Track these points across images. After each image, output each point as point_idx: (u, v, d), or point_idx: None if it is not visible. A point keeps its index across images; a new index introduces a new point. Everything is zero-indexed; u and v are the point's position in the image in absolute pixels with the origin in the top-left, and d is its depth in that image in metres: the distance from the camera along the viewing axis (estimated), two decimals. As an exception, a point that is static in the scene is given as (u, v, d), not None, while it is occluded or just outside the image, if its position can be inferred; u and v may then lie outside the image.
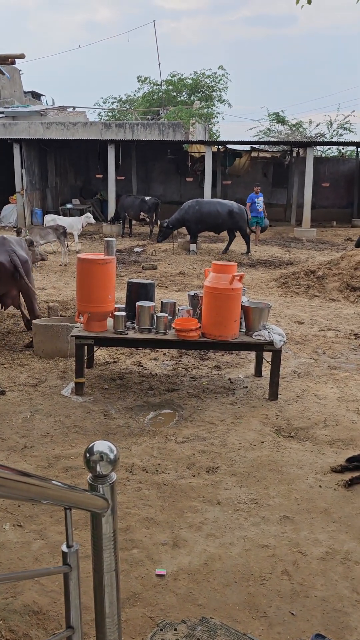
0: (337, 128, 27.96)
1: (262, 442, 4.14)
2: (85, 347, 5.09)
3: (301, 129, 28.09)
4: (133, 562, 2.84)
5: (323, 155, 28.17)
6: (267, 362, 5.09)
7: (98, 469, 1.57)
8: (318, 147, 26.73)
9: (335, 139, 27.69)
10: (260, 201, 15.94)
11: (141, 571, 2.78)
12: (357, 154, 25.17)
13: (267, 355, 5.08)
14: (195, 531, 3.09)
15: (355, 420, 4.58)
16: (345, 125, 27.77)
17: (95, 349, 5.68)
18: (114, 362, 5.92)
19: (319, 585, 2.70)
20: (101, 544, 1.62)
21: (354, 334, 7.24)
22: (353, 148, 25.73)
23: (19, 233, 11.64)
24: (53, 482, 1.39)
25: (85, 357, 5.21)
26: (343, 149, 28.21)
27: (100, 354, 6.08)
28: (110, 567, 1.66)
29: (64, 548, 1.51)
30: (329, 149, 28.98)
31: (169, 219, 14.63)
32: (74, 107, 28.18)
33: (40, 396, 4.92)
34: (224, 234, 15.23)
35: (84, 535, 2.92)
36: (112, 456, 1.58)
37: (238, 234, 14.55)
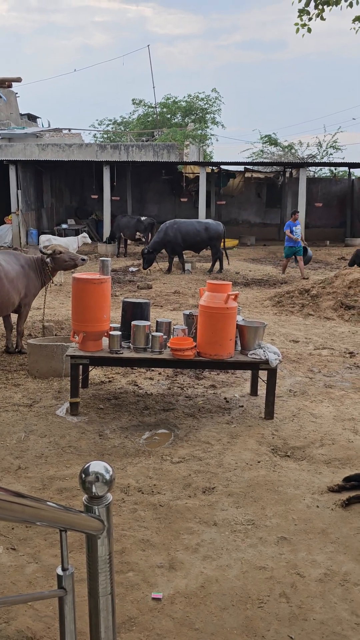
0: (327, 148, 28.39)
1: (259, 462, 4.11)
2: (81, 366, 5.07)
3: (293, 150, 28.49)
4: (129, 585, 2.79)
5: (315, 176, 28.53)
6: (263, 381, 5.08)
7: (94, 490, 1.55)
8: (310, 168, 27.06)
9: (325, 159, 28.08)
10: (298, 229, 14.32)
11: (137, 595, 2.73)
12: (349, 174, 25.51)
13: (263, 374, 5.07)
14: (191, 553, 3.05)
15: (351, 439, 4.56)
16: (334, 145, 28.21)
17: (90, 369, 5.66)
18: (109, 381, 5.89)
19: (317, 608, 2.66)
20: (97, 567, 1.59)
21: (349, 353, 7.25)
22: (345, 168, 26.07)
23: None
24: (48, 503, 1.37)
25: (81, 377, 5.19)
26: (335, 169, 28.60)
27: (96, 373, 6.05)
28: (105, 590, 1.63)
29: (59, 571, 1.49)
30: (321, 169, 29.36)
31: (149, 244, 14.59)
32: (69, 129, 28.51)
33: (34, 416, 4.88)
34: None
35: (79, 558, 2.88)
36: (107, 477, 1.56)
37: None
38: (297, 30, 5.36)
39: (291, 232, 14.01)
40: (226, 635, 2.48)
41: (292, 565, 2.96)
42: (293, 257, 14.40)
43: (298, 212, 14.83)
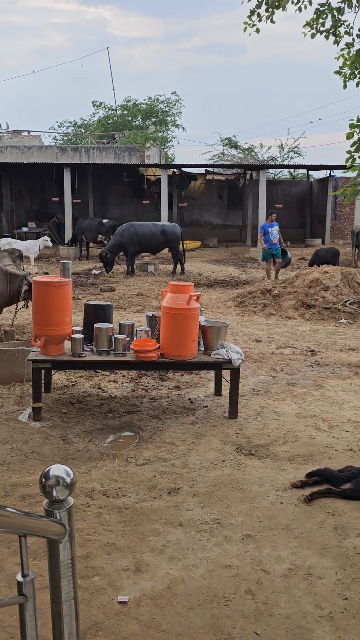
0: (288, 152, 28.89)
1: (223, 461, 4.14)
2: (43, 371, 5.00)
3: (253, 153, 28.88)
4: (94, 590, 2.77)
5: (275, 178, 28.98)
6: (226, 380, 5.12)
7: (54, 493, 1.53)
8: (270, 170, 27.48)
9: (285, 162, 28.57)
10: (275, 231, 13.51)
11: (103, 599, 2.71)
12: (308, 176, 26.01)
13: (226, 374, 5.11)
14: (157, 555, 3.05)
15: (313, 435, 4.64)
16: (295, 149, 28.72)
17: (52, 373, 5.59)
18: (73, 385, 5.83)
19: (282, 603, 2.69)
20: (59, 572, 1.57)
21: (310, 351, 7.38)
22: (304, 171, 26.58)
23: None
24: (7, 509, 1.35)
25: (43, 381, 5.11)
26: (294, 171, 29.12)
27: (58, 377, 5.98)
28: (68, 595, 1.61)
29: (19, 578, 1.46)
30: (281, 171, 29.87)
31: (106, 247, 14.54)
32: (28, 131, 28.13)
33: (-4, 423, 4.78)
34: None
35: (42, 565, 2.84)
36: (68, 480, 1.55)
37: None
38: (245, 29, 5.42)
39: (265, 233, 13.46)
40: (193, 635, 2.48)
41: (257, 562, 2.99)
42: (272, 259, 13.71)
43: (274, 212, 14.00)
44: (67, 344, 5.02)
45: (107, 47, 32.22)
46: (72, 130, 34.34)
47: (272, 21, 5.31)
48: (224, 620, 2.57)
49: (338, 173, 23.15)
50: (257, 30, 5.38)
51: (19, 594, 1.46)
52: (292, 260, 18.26)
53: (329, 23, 5.35)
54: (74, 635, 1.64)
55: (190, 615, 2.61)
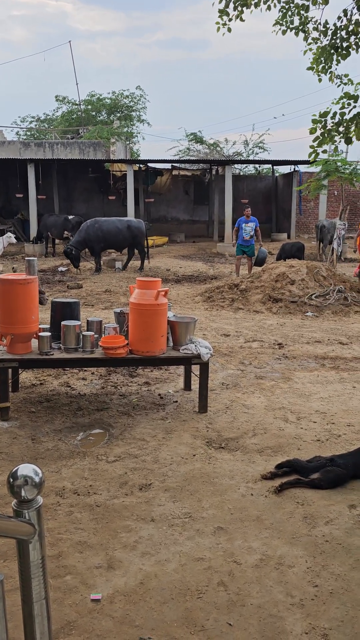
0: (253, 147, 29.09)
1: (194, 455, 4.16)
2: (9, 370, 4.92)
3: (218, 148, 28.97)
4: (66, 589, 2.75)
5: (241, 173, 29.16)
6: (196, 375, 5.14)
7: (23, 493, 1.51)
8: (236, 165, 27.64)
9: (251, 158, 28.77)
10: (249, 227, 13.04)
11: (75, 598, 2.69)
12: (273, 171, 26.26)
13: (195, 369, 5.13)
14: (130, 551, 3.04)
15: (282, 427, 4.70)
16: (260, 145, 28.94)
17: (20, 372, 5.51)
18: (41, 384, 5.76)
19: (254, 593, 2.72)
20: (29, 572, 1.55)
21: (278, 344, 7.48)
22: (269, 166, 26.82)
23: None
24: (-26, 510, 1.32)
25: (10, 381, 5.03)
26: (260, 166, 29.36)
27: (26, 376, 5.90)
28: (39, 595, 1.59)
29: (-12, 580, 1.44)
30: (247, 167, 30.07)
31: (71, 243, 14.35)
32: (-10, 126, 27.53)
33: None
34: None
35: (13, 566, 2.80)
36: (37, 479, 1.53)
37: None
38: (218, 29, 5.47)
39: (240, 229, 13.05)
40: (166, 629, 2.49)
41: (229, 553, 3.02)
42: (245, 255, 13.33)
43: (248, 207, 13.49)
44: (35, 342, 4.95)
45: (70, 41, 31.72)
46: (35, 125, 33.81)
47: (241, 19, 5.35)
48: (198, 613, 2.59)
49: (302, 168, 23.46)
50: (229, 30, 5.42)
51: (-12, 596, 1.44)
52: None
53: (297, 20, 5.42)
54: (46, 636, 1.63)
55: (163, 609, 2.61)
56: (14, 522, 1.48)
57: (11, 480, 1.51)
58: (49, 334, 4.87)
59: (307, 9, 5.40)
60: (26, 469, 1.53)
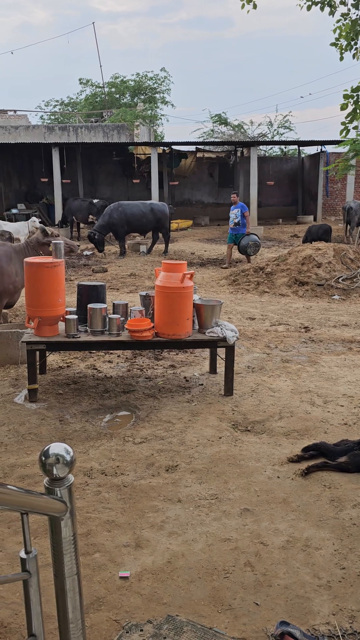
0: (278, 127, 28.58)
1: (220, 438, 4.17)
2: (37, 352, 4.99)
3: (243, 130, 28.55)
4: (95, 566, 2.80)
5: (266, 155, 28.73)
6: (221, 358, 5.14)
7: (54, 471, 1.53)
8: (261, 147, 27.24)
9: (276, 139, 28.29)
10: (233, 214, 12.55)
11: (104, 575, 2.74)
12: (299, 152, 25.80)
13: (221, 352, 5.12)
14: (157, 531, 3.08)
15: (309, 410, 4.68)
16: (286, 124, 28.41)
17: (47, 354, 5.58)
18: (68, 366, 5.82)
19: (281, 574, 2.74)
20: (61, 548, 1.58)
21: (304, 327, 7.41)
22: (295, 147, 26.35)
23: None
24: (8, 486, 1.35)
25: (38, 363, 5.10)
26: (285, 147, 28.85)
27: (53, 359, 5.97)
28: (71, 571, 1.62)
29: (22, 554, 1.47)
30: (272, 148, 29.58)
31: (94, 227, 14.34)
32: (14, 111, 27.61)
33: (-8, 405, 4.79)
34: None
35: (43, 543, 2.87)
36: (68, 458, 1.55)
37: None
38: (243, 5, 5.35)
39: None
40: (194, 607, 2.52)
41: (256, 535, 3.03)
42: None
43: (235, 193, 12.99)
44: (61, 325, 5.00)
45: (93, 22, 31.48)
46: (59, 109, 33.76)
47: None
48: (224, 592, 2.61)
49: (329, 148, 22.97)
50: (255, 6, 5.29)
51: (22, 570, 1.47)
52: (284, 238, 18.16)
53: None
54: (77, 610, 1.66)
55: (191, 588, 2.65)
56: (46, 499, 1.51)
57: (43, 458, 1.53)
58: (75, 316, 4.91)
59: None
60: (57, 448, 1.55)
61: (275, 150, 29.82)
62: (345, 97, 4.31)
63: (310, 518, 3.19)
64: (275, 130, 28.55)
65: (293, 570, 2.76)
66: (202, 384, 5.30)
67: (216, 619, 2.45)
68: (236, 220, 12.46)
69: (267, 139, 27.78)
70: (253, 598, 2.58)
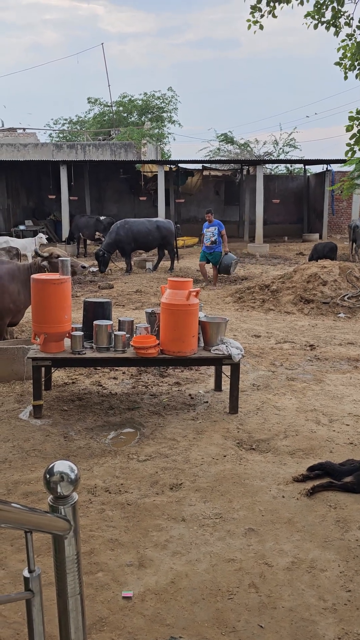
0: (283, 146, 28.85)
1: (225, 456, 4.15)
2: (43, 368, 5.00)
3: (249, 148, 28.82)
4: (98, 585, 2.78)
5: (272, 173, 28.94)
6: (226, 376, 5.13)
7: (59, 489, 1.53)
8: (267, 165, 27.46)
9: (282, 157, 28.52)
10: (209, 232, 12.15)
11: (107, 595, 2.71)
12: (305, 171, 25.97)
13: (226, 370, 5.12)
14: (160, 550, 3.05)
15: (314, 429, 4.65)
16: (291, 143, 28.67)
17: (52, 371, 5.59)
18: (73, 383, 5.83)
19: (286, 596, 2.70)
20: (64, 567, 1.58)
21: (309, 345, 7.39)
22: (301, 165, 26.55)
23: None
24: (12, 504, 1.35)
25: (43, 379, 5.11)
26: (291, 166, 29.07)
27: (59, 375, 5.98)
28: (74, 590, 1.61)
29: (26, 573, 1.47)
30: (277, 166, 29.81)
31: (102, 245, 14.45)
32: (24, 129, 28.03)
33: (-4, 421, 4.79)
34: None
35: (46, 561, 2.84)
36: (72, 476, 1.55)
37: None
38: (249, 27, 5.44)
39: (204, 234, 12.18)
40: (197, 629, 2.49)
41: (260, 555, 3.00)
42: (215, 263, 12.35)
43: (210, 211, 12.54)
44: (67, 342, 5.02)
45: (102, 43, 32.09)
46: (68, 127, 34.23)
47: (273, 15, 5.31)
48: (229, 614, 2.58)
49: (335, 167, 23.13)
50: (261, 27, 5.38)
51: (25, 589, 1.46)
52: (290, 256, 18.19)
53: (329, 14, 5.35)
54: (80, 630, 1.65)
55: (194, 609, 2.62)
56: (50, 518, 1.51)
57: (47, 476, 1.53)
58: (81, 333, 4.93)
59: (341, 2, 5.32)
60: (62, 466, 1.55)
61: (281, 168, 30.06)
62: (351, 119, 4.36)
63: (316, 539, 3.15)
64: (280, 148, 28.82)
65: (298, 592, 2.73)
66: (207, 402, 5.29)
67: (220, 642, 2.42)
68: (213, 239, 12.08)
69: (273, 158, 28.01)
70: (257, 620, 2.54)
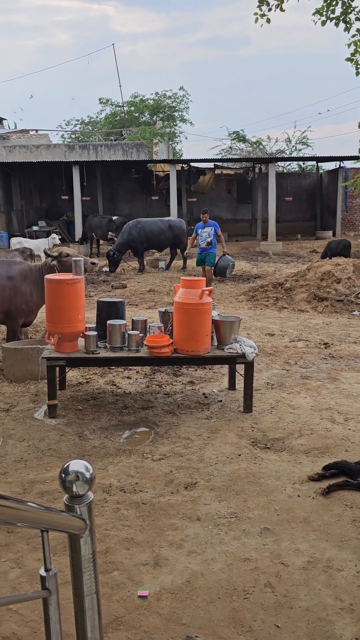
0: (296, 144, 28.68)
1: (239, 455, 4.14)
2: (57, 368, 5.02)
3: (261, 146, 28.70)
4: (114, 584, 2.78)
5: (285, 171, 28.79)
6: (240, 374, 5.11)
7: (74, 489, 1.54)
8: (279, 163, 27.31)
9: (294, 155, 28.36)
10: (205, 233, 11.39)
11: (123, 594, 2.72)
12: (317, 168, 25.81)
13: (240, 368, 5.10)
14: (176, 549, 3.05)
15: (329, 428, 4.62)
16: (303, 141, 28.50)
17: (67, 370, 5.61)
18: (87, 382, 5.85)
19: (302, 596, 2.69)
20: (80, 566, 1.58)
21: (324, 343, 7.34)
22: (313, 163, 26.38)
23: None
24: (29, 503, 1.35)
25: (58, 379, 5.14)
26: (304, 164, 28.91)
27: (73, 374, 6.01)
28: (90, 589, 1.62)
29: (42, 572, 1.47)
30: (290, 164, 29.66)
31: (114, 245, 14.48)
32: (36, 130, 28.18)
33: (12, 421, 4.82)
34: None
35: (62, 560, 2.86)
36: (88, 475, 1.55)
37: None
38: (257, 20, 5.40)
39: (198, 235, 11.53)
40: (213, 628, 2.49)
41: (276, 555, 2.99)
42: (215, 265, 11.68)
43: (206, 210, 11.76)
44: (81, 341, 5.04)
45: (113, 44, 32.17)
46: (80, 128, 34.36)
47: (281, 9, 5.28)
48: (245, 614, 2.57)
49: (348, 164, 22.94)
50: (268, 20, 5.35)
51: (42, 588, 1.47)
52: (303, 254, 18.09)
53: (338, 10, 5.31)
54: (96, 629, 1.65)
55: (210, 608, 2.61)
56: (66, 517, 1.51)
57: (63, 475, 1.54)
58: (95, 333, 4.94)
59: None
60: (77, 465, 1.55)
61: (294, 166, 29.90)
62: (363, 115, 4.31)
63: (332, 538, 3.13)
64: (293, 146, 28.67)
65: (314, 592, 2.71)
66: (221, 401, 5.27)
67: (236, 641, 2.41)
68: (209, 240, 11.40)
69: (285, 155, 27.88)
70: (274, 620, 2.53)
